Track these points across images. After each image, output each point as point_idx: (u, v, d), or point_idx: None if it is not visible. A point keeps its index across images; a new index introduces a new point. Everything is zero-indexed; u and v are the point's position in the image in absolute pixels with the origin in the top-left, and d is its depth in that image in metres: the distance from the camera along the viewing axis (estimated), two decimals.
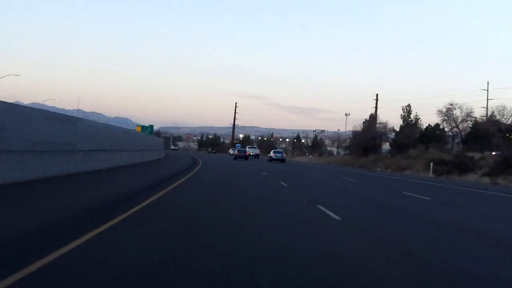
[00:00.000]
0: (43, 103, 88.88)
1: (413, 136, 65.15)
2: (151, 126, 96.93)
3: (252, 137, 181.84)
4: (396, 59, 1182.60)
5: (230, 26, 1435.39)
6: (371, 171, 50.89)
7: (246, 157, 65.16)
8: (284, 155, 69.81)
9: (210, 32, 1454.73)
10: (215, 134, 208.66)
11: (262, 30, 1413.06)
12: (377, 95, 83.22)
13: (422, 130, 67.93)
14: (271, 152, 70.34)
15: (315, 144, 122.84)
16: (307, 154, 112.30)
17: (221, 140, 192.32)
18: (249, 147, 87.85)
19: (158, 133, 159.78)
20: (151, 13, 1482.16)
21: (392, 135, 75.29)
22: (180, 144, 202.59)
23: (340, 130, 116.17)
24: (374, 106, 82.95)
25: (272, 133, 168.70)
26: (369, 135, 73.26)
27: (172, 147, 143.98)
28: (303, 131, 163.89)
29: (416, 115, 70.76)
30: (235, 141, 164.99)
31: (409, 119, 70.91)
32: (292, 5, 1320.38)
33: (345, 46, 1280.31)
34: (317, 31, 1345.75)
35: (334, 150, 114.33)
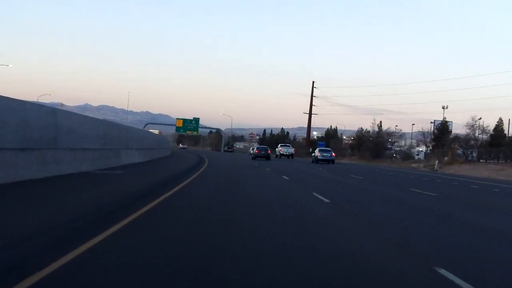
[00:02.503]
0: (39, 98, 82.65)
1: None
2: (196, 120, 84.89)
3: (342, 134, 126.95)
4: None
5: (293, 29, 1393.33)
6: None
7: (267, 156, 55.29)
8: (333, 154, 54.63)
9: (274, 35, 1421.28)
10: (282, 129, 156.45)
11: (319, 32, 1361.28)
12: None
13: None
14: (316, 150, 56.18)
15: (500, 139, 58.94)
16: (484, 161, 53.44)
17: (291, 139, 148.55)
18: (281, 145, 75.74)
19: (218, 132, 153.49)
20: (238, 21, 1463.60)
21: None
22: (239, 145, 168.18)
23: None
24: None
25: (380, 121, 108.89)
26: None
27: (181, 145, 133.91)
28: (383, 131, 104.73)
29: None
30: (313, 138, 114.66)
31: None
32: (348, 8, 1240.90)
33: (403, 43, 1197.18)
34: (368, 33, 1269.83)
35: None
